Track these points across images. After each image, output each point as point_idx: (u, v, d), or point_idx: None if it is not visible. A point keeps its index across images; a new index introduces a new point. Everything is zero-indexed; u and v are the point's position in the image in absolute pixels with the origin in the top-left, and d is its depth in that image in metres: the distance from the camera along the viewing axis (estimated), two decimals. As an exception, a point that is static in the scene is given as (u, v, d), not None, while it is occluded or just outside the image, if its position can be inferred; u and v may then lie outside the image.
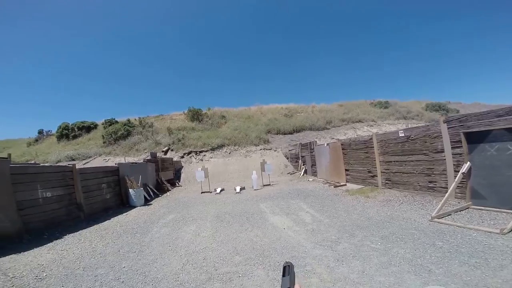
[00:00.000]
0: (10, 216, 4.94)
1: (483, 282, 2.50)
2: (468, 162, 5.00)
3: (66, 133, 23.62)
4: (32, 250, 4.52)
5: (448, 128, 5.67)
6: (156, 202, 9.28)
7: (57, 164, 9.91)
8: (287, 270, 0.68)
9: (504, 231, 3.55)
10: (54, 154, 19.75)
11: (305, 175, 13.72)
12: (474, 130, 5.03)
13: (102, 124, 23.84)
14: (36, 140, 26.34)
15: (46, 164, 8.52)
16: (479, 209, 4.75)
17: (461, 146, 5.30)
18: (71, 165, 7.01)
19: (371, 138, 8.27)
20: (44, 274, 3.50)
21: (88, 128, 24.21)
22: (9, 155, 5.57)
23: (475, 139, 5.00)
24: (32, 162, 13.99)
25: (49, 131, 27.44)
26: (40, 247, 4.70)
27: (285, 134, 20.93)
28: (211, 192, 10.68)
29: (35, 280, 3.33)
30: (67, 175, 6.66)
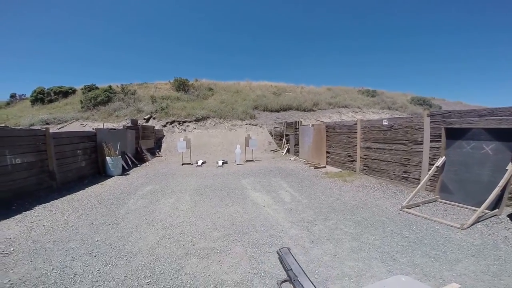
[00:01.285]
0: None
1: (440, 275, 2.67)
2: (444, 157, 5.23)
3: (41, 98, 22.11)
4: None
5: (431, 122, 5.83)
6: (134, 172, 9.08)
7: (29, 128, 9.27)
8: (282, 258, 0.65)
9: (464, 226, 3.79)
10: (27, 118, 18.50)
11: (287, 154, 13.86)
12: (455, 126, 5.21)
13: (81, 89, 22.43)
14: (8, 104, 24.56)
15: (16, 128, 7.88)
16: (445, 203, 5.00)
17: (440, 140, 5.49)
18: (44, 129, 6.52)
19: (355, 124, 8.38)
20: (12, 249, 3.34)
21: (66, 93, 22.76)
22: None
23: (454, 135, 5.17)
24: (2, 125, 13.06)
25: (22, 95, 25.64)
26: (7, 219, 4.43)
27: (271, 111, 20.76)
28: (192, 164, 10.59)
29: (1, 255, 3.16)
30: (39, 139, 6.20)
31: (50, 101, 22.12)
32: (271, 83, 27.71)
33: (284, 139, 15.07)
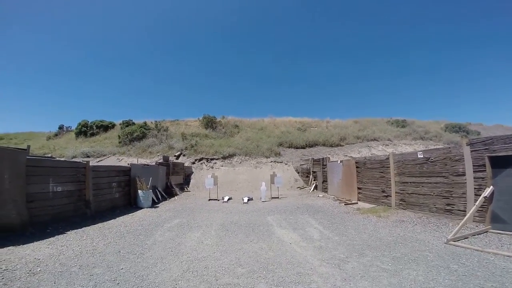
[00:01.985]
0: (18, 207, 4.97)
1: None
2: (491, 186, 4.82)
3: (85, 131, 24.38)
4: (32, 243, 4.48)
5: (471, 151, 5.47)
6: (163, 205, 9.28)
7: (72, 160, 10.14)
8: None
9: None
10: (71, 149, 20.26)
11: (315, 190, 13.40)
12: (500, 154, 4.84)
13: (120, 124, 24.47)
14: (56, 135, 27.19)
15: (61, 159, 8.67)
16: (499, 233, 4.57)
17: (485, 170, 5.10)
18: (85, 162, 7.15)
19: (387, 158, 8.13)
20: (38, 269, 3.43)
21: (106, 127, 24.93)
22: (28, 147, 5.71)
23: (500, 163, 4.80)
24: (49, 155, 14.43)
25: (69, 127, 28.30)
26: (40, 241, 4.66)
27: (297, 148, 20.71)
28: (218, 200, 10.60)
29: (28, 274, 3.26)
30: (80, 171, 6.77)
31: (92, 135, 24.18)
32: (295, 119, 27.98)
33: (311, 176, 14.72)
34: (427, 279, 3.02)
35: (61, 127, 28.36)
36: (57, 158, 8.26)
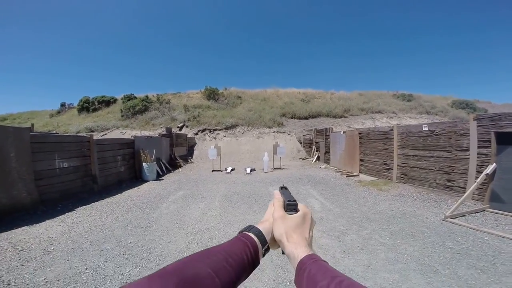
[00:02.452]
0: (27, 186, 5.03)
1: (486, 287, 2.42)
2: (494, 164, 4.74)
3: (87, 106, 24.30)
4: (44, 222, 4.60)
5: (478, 126, 5.32)
6: (168, 178, 9.47)
7: (76, 135, 10.18)
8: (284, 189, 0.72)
9: None
10: (74, 125, 20.42)
11: (317, 161, 13.51)
12: (507, 130, 4.69)
13: (121, 99, 24.20)
14: (59, 112, 27.23)
15: (64, 134, 8.68)
16: (496, 213, 4.58)
17: (489, 146, 4.98)
18: (88, 136, 7.12)
19: (391, 129, 7.96)
20: (52, 248, 3.55)
21: (108, 102, 24.72)
22: (32, 125, 5.68)
23: (506, 140, 4.67)
24: (54, 132, 14.52)
25: (70, 104, 28.21)
26: (52, 219, 4.80)
27: (300, 118, 20.52)
28: (221, 171, 10.78)
29: (43, 253, 3.37)
30: (84, 145, 6.77)
31: (94, 110, 24.14)
32: (299, 90, 27.43)
33: (313, 147, 14.74)
34: (423, 255, 3.13)
35: (63, 105, 28.26)
36: (61, 134, 8.24)
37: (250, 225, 0.63)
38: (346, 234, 3.88)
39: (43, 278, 2.77)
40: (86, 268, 2.98)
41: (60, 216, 4.98)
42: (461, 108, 25.81)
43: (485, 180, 4.83)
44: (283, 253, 0.59)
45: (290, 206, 0.64)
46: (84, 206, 5.70)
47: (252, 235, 0.59)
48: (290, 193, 0.69)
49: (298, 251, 0.54)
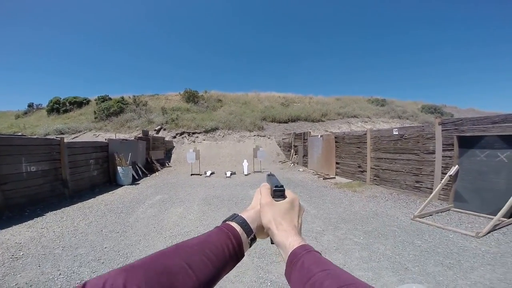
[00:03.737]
0: None
1: (454, 283, 2.59)
2: (457, 166, 5.12)
3: (57, 108, 22.83)
4: (11, 228, 4.38)
5: (443, 130, 5.73)
6: (144, 182, 9.20)
7: (45, 137, 9.60)
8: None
9: (479, 235, 3.69)
10: (42, 127, 19.09)
11: (296, 165, 13.77)
12: (467, 134, 5.11)
13: (95, 100, 23.06)
14: (25, 113, 25.35)
15: (33, 136, 8.17)
16: (460, 212, 4.91)
17: (453, 149, 5.38)
18: (58, 138, 6.76)
19: (365, 134, 8.30)
20: (21, 253, 3.40)
21: (80, 103, 23.42)
22: None
23: (467, 143, 5.07)
24: (19, 134, 13.56)
25: (39, 104, 26.37)
26: (19, 224, 4.57)
27: (280, 122, 20.82)
28: (201, 175, 10.64)
29: (11, 259, 3.22)
30: (54, 148, 6.41)
31: (65, 111, 22.75)
32: (279, 94, 27.85)
33: (292, 150, 15.01)
34: (394, 253, 3.30)
35: (30, 105, 26.34)
36: (28, 136, 7.74)
37: (234, 214, 0.59)
38: (323, 234, 4.01)
39: (14, 284, 2.65)
40: (60, 274, 2.88)
41: (28, 222, 4.72)
42: (429, 112, 27.42)
43: (449, 181, 5.19)
44: (272, 242, 0.58)
45: (278, 192, 0.61)
46: (54, 211, 5.42)
47: (235, 225, 0.55)
48: (278, 180, 0.67)
49: (290, 240, 0.52)
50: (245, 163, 10.80)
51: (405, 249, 3.41)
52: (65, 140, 6.91)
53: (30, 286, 2.64)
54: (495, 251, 3.26)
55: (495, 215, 3.96)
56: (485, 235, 3.70)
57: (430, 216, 4.76)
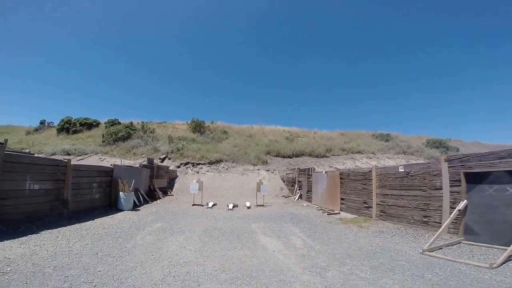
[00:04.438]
0: None
1: None
2: (465, 200, 5.15)
3: (67, 127, 23.37)
4: (2, 242, 4.28)
5: (449, 167, 5.80)
6: (145, 209, 9.06)
7: (52, 157, 9.75)
8: None
9: (493, 266, 3.61)
10: (50, 146, 19.36)
11: (299, 199, 13.51)
12: (474, 170, 5.16)
13: (105, 123, 23.71)
14: (36, 130, 25.93)
15: (41, 156, 8.31)
16: (471, 244, 4.85)
17: (460, 184, 5.41)
18: (66, 160, 6.88)
19: (370, 171, 8.37)
20: (9, 269, 3.29)
21: (90, 125, 24.06)
22: (6, 140, 5.35)
23: (474, 179, 5.11)
24: (27, 151, 13.75)
25: (51, 122, 27.06)
26: (12, 239, 4.47)
27: (284, 157, 20.88)
28: (202, 206, 10.46)
29: None
30: (60, 169, 6.52)
31: (75, 132, 23.22)
32: (284, 128, 28.38)
33: (296, 185, 14.85)
34: (403, 287, 3.13)
35: (42, 122, 27.06)
36: (36, 155, 7.89)
37: None
38: (327, 270, 3.81)
39: None
40: None
41: (22, 238, 4.61)
42: (434, 147, 27.19)
43: (458, 215, 5.18)
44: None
45: None
46: (50, 230, 5.32)
47: None
48: None
49: None
50: (247, 203, 10.77)
51: (415, 283, 3.25)
52: (72, 162, 7.01)
53: (13, 304, 2.48)
54: (510, 281, 3.17)
55: (508, 246, 3.92)
56: (499, 266, 3.62)
57: (440, 250, 4.66)
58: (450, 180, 5.70)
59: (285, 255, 4.56)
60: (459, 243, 4.98)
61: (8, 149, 5.25)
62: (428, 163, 6.90)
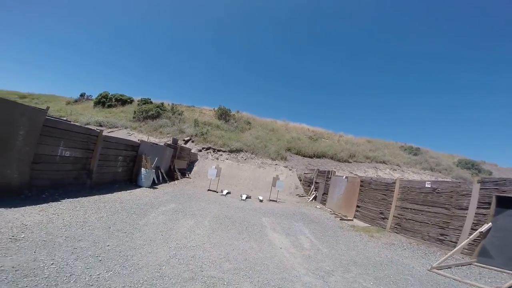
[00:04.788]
0: (22, 167, 4.84)
1: None
2: (490, 223, 5.07)
3: (104, 101, 24.81)
4: (23, 207, 4.31)
5: (481, 188, 5.63)
6: (162, 188, 9.39)
7: (86, 126, 10.27)
8: None
9: None
10: (86, 116, 20.64)
11: (313, 201, 13.30)
12: (508, 195, 5.01)
13: (138, 101, 24.71)
14: (76, 101, 27.78)
15: (76, 124, 8.73)
16: (482, 267, 4.80)
17: (488, 207, 5.30)
18: (98, 130, 7.10)
19: (394, 182, 8.14)
20: (22, 236, 3.29)
21: (125, 101, 25.27)
22: (48, 108, 5.65)
23: (506, 203, 5.04)
24: (64, 119, 14.75)
25: (90, 95, 28.88)
26: (33, 205, 4.51)
27: (304, 156, 20.56)
28: (217, 192, 10.65)
29: (9, 240, 3.11)
30: (91, 139, 6.71)
31: (110, 106, 24.56)
32: (308, 127, 27.82)
33: (313, 186, 14.61)
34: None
35: (82, 95, 28.99)
36: (72, 122, 8.31)
37: None
38: (331, 275, 3.75)
39: (0, 266, 2.55)
40: (52, 263, 2.78)
41: (43, 205, 4.68)
42: (466, 168, 25.50)
43: (478, 237, 5.12)
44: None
45: None
46: (71, 199, 5.43)
47: None
48: None
49: None
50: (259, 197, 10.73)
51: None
52: (103, 134, 7.24)
53: (16, 270, 2.53)
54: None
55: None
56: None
57: (449, 269, 4.61)
58: (478, 202, 5.56)
59: (291, 253, 4.54)
60: (470, 264, 4.94)
61: (48, 115, 5.47)
62: (459, 182, 6.61)
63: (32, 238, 3.30)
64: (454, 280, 4.00)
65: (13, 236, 3.22)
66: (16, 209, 4.19)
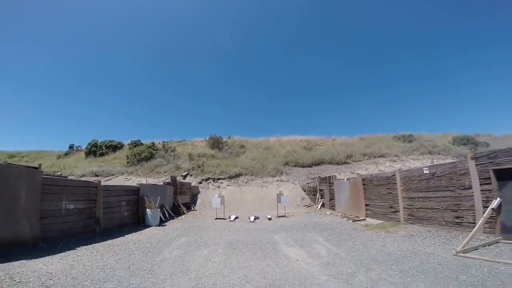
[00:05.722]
0: (32, 223, 5.18)
1: None
2: (498, 198, 4.89)
3: (94, 150, 24.84)
4: (43, 258, 4.58)
5: (476, 164, 5.55)
6: (171, 224, 9.33)
7: (84, 179, 10.42)
8: None
9: None
10: (80, 168, 20.55)
11: (322, 208, 13.26)
12: (504, 167, 4.92)
13: (128, 144, 24.86)
14: (66, 154, 27.69)
15: (74, 178, 8.96)
16: (510, 243, 4.60)
17: (490, 182, 5.17)
18: (97, 181, 7.39)
19: (394, 175, 8.19)
20: (51, 282, 3.48)
21: (115, 147, 25.33)
22: (40, 165, 5.97)
23: (505, 175, 4.88)
24: (59, 173, 14.71)
25: (79, 146, 28.88)
26: (52, 255, 4.79)
27: (303, 167, 20.65)
28: (225, 219, 10.59)
29: (41, 287, 3.30)
30: (91, 190, 7.02)
31: (101, 154, 24.53)
32: (301, 137, 28.07)
33: (318, 194, 14.62)
34: (435, 290, 3.03)
35: (71, 147, 28.91)
36: (68, 177, 8.50)
37: None
38: (354, 276, 3.74)
39: None
40: None
41: (61, 254, 4.96)
42: (462, 144, 25.44)
43: (492, 214, 4.91)
44: None
45: None
46: (85, 246, 5.68)
47: None
48: None
49: None
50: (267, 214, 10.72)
51: (448, 285, 3.14)
52: (102, 183, 7.49)
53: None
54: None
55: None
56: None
57: (476, 250, 4.46)
58: (479, 178, 5.46)
59: (308, 263, 4.51)
60: (497, 242, 4.74)
61: (44, 174, 5.78)
62: (454, 162, 6.61)
63: (60, 283, 3.51)
64: (485, 261, 3.88)
65: (43, 284, 3.39)
66: (37, 259, 4.45)
